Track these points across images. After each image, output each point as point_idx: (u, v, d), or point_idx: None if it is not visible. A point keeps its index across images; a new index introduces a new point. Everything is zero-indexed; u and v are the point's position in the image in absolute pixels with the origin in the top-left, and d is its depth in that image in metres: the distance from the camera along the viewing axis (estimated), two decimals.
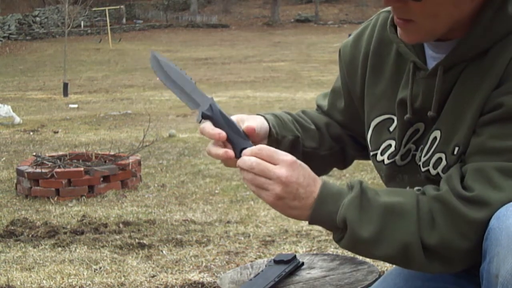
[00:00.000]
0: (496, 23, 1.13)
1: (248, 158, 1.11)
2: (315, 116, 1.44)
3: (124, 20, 39.26)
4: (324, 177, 1.24)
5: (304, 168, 1.11)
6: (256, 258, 3.38)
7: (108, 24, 31.93)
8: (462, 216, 1.07)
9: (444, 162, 1.19)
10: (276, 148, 1.19)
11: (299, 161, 1.11)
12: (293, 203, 1.11)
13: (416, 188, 1.25)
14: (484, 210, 1.06)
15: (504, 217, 1.03)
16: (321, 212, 1.11)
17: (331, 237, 3.74)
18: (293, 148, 1.33)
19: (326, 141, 1.41)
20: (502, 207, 1.05)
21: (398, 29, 1.18)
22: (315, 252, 3.36)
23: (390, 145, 1.29)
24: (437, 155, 1.20)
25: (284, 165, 1.09)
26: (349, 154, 1.46)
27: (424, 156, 1.22)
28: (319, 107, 1.49)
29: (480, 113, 1.13)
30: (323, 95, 1.51)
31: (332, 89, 1.46)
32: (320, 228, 3.89)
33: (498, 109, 1.10)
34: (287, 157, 1.10)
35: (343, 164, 1.48)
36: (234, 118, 1.22)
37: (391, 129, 1.28)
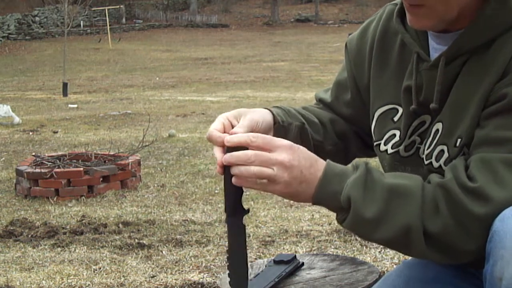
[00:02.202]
0: (499, 16, 1.13)
1: (243, 152, 1.09)
2: (317, 111, 1.43)
3: (123, 20, 39.26)
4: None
5: (302, 150, 1.11)
6: (256, 258, 3.37)
7: (108, 24, 31.94)
8: (465, 208, 1.06)
9: (446, 154, 1.19)
10: (284, 136, 1.19)
11: (296, 144, 1.11)
12: (300, 187, 1.10)
13: None
14: (486, 206, 1.05)
15: (509, 219, 1.02)
16: (326, 192, 1.11)
17: (331, 238, 3.75)
18: (302, 135, 1.32)
19: (330, 136, 1.40)
20: (507, 209, 1.04)
21: (408, 16, 1.18)
22: (315, 252, 3.36)
23: (394, 135, 1.28)
24: (439, 148, 1.20)
25: (283, 149, 1.08)
26: (351, 152, 1.45)
27: (427, 148, 1.22)
28: (320, 101, 1.47)
29: (484, 105, 1.13)
30: (323, 90, 1.50)
31: (336, 82, 1.45)
32: (320, 228, 3.90)
33: (502, 100, 1.10)
34: (284, 141, 1.10)
35: (344, 162, 1.47)
36: (235, 112, 1.21)
37: (395, 119, 1.28)
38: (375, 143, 1.33)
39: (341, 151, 1.42)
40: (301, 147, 1.11)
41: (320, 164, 1.11)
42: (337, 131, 1.41)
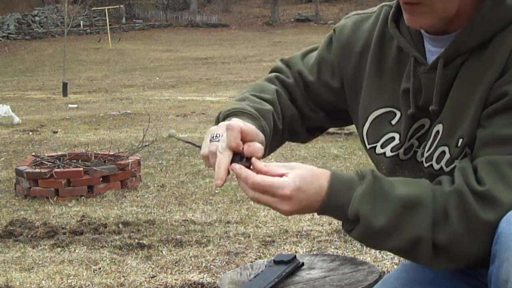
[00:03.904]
0: (496, 14, 1.13)
1: (251, 191, 1.09)
2: (287, 108, 1.38)
3: (123, 20, 39.26)
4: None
5: (306, 191, 1.09)
6: (256, 259, 3.37)
7: (108, 24, 31.95)
8: (476, 215, 1.06)
9: (447, 155, 1.18)
10: None
11: (299, 184, 1.08)
12: (304, 211, 1.12)
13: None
14: (496, 210, 1.05)
15: None
16: (332, 206, 1.10)
17: (331, 238, 3.74)
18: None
19: (281, 136, 1.38)
20: None
21: (405, 15, 1.16)
22: (315, 252, 3.35)
23: (393, 138, 1.27)
24: (440, 149, 1.19)
25: (285, 199, 1.08)
26: (285, 140, 1.44)
27: (427, 151, 1.22)
28: (300, 75, 1.41)
29: (484, 103, 1.12)
30: (300, 57, 1.44)
31: (318, 58, 1.40)
32: (320, 228, 3.90)
33: (503, 98, 1.10)
34: (285, 190, 1.07)
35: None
36: (247, 129, 1.14)
37: (394, 122, 1.27)
38: (369, 146, 1.32)
39: (281, 141, 1.41)
40: (303, 185, 1.08)
41: (324, 190, 1.10)
42: (291, 129, 1.40)
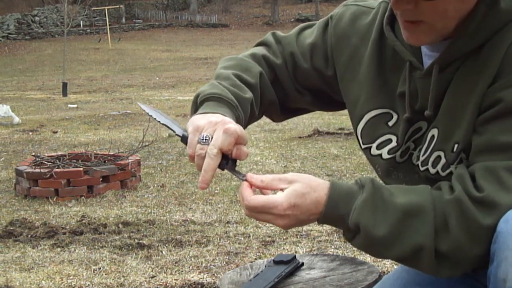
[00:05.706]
0: (489, 19, 1.12)
1: (247, 211, 1.10)
2: (267, 94, 1.37)
3: (123, 20, 39.25)
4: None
5: (300, 206, 1.08)
6: (256, 259, 3.37)
7: (108, 24, 31.95)
8: (476, 222, 1.05)
9: (443, 160, 1.18)
10: None
11: (294, 201, 1.08)
12: (303, 224, 1.12)
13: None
14: (496, 214, 1.05)
15: None
16: (332, 216, 1.10)
17: (331, 238, 3.74)
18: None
19: (254, 119, 1.37)
20: (511, 210, 1.03)
21: (404, 32, 1.15)
22: (315, 252, 3.35)
23: (390, 140, 1.26)
24: (435, 154, 1.19)
25: (279, 217, 1.09)
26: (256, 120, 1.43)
27: (423, 155, 1.21)
28: (292, 57, 1.39)
29: (479, 109, 1.12)
30: (295, 35, 1.41)
31: (313, 44, 1.38)
32: (320, 228, 3.90)
33: (497, 105, 1.09)
34: (279, 209, 1.08)
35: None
36: (240, 132, 1.13)
37: (390, 123, 1.26)
38: (363, 146, 1.31)
39: (251, 122, 1.39)
40: (304, 199, 1.08)
41: (322, 202, 1.09)
42: (264, 112, 1.40)
